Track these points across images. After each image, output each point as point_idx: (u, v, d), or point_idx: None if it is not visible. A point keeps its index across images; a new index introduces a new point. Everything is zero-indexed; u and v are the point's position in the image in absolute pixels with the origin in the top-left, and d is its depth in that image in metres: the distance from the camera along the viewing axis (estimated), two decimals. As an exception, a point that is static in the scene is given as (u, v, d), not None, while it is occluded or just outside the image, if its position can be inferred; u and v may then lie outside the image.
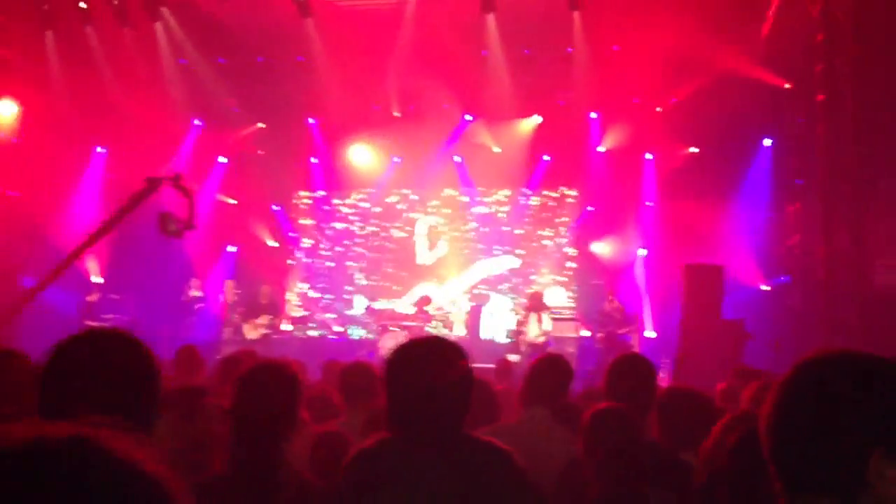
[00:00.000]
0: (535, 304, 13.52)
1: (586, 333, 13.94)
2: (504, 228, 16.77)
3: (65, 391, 1.50)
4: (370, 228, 17.36)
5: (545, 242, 16.60)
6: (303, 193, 17.66)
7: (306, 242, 17.51)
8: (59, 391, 1.50)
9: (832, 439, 1.38)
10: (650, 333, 14.73)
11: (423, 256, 16.91)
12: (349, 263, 17.28)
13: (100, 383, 1.48)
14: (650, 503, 2.97)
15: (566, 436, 3.80)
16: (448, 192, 17.05)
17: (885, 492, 1.33)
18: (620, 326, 13.26)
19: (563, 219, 16.64)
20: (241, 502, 2.44)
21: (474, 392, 4.19)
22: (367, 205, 17.41)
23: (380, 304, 15.81)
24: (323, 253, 17.45)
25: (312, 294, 17.14)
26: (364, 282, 17.08)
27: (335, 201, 17.57)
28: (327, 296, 17.12)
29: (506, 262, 16.49)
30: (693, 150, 14.76)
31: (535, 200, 16.76)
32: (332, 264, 17.34)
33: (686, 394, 3.62)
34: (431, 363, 2.15)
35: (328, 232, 17.51)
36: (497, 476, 2.06)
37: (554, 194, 16.73)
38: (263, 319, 13.94)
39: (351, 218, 17.50)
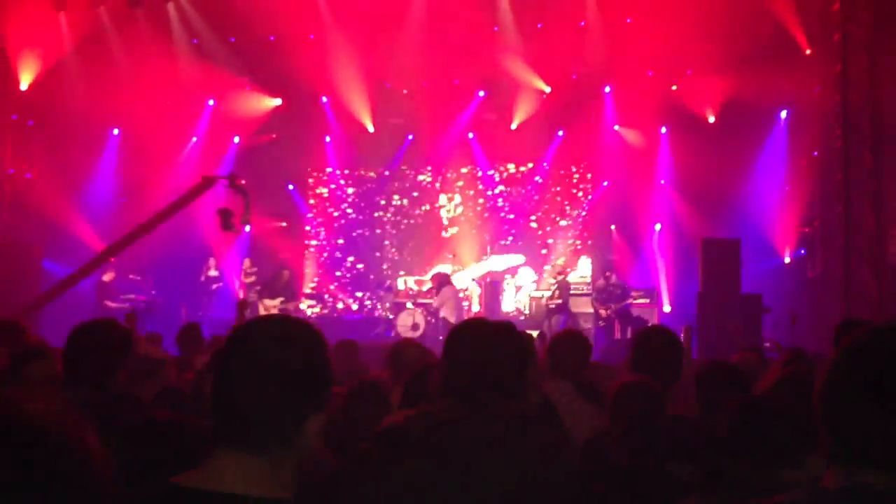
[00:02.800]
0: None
1: (590, 310, 13.89)
2: (524, 196, 16.78)
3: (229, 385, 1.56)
4: (384, 206, 17.38)
5: (566, 217, 16.59)
6: (317, 172, 17.68)
7: (321, 221, 17.55)
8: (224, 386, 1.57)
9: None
10: (667, 307, 14.73)
11: (447, 233, 16.94)
12: (342, 239, 17.33)
13: (263, 377, 1.53)
14: (673, 476, 2.98)
15: (588, 409, 3.84)
16: (463, 168, 17.03)
17: None
18: (621, 300, 13.20)
19: (579, 194, 16.62)
20: None
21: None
22: (380, 182, 17.43)
23: (397, 283, 15.86)
24: (338, 231, 17.48)
25: (327, 265, 17.20)
26: (380, 259, 17.12)
27: (349, 179, 17.57)
28: (339, 274, 17.19)
29: (512, 260, 16.45)
30: (710, 118, 14.65)
31: (550, 175, 16.73)
32: (344, 242, 17.38)
33: (724, 369, 3.61)
34: (493, 339, 2.20)
35: (343, 210, 17.53)
36: (547, 456, 2.09)
37: (571, 169, 16.71)
38: (276, 301, 13.97)
39: (364, 196, 17.51)
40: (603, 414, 3.77)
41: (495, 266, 16.32)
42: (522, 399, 2.21)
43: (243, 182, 15.79)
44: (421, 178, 17.33)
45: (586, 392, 4.04)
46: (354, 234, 17.38)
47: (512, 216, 16.79)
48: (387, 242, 17.24)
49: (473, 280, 16.00)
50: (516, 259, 16.45)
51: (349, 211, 17.52)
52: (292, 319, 1.65)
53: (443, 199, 17.17)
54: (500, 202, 16.93)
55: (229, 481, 1.47)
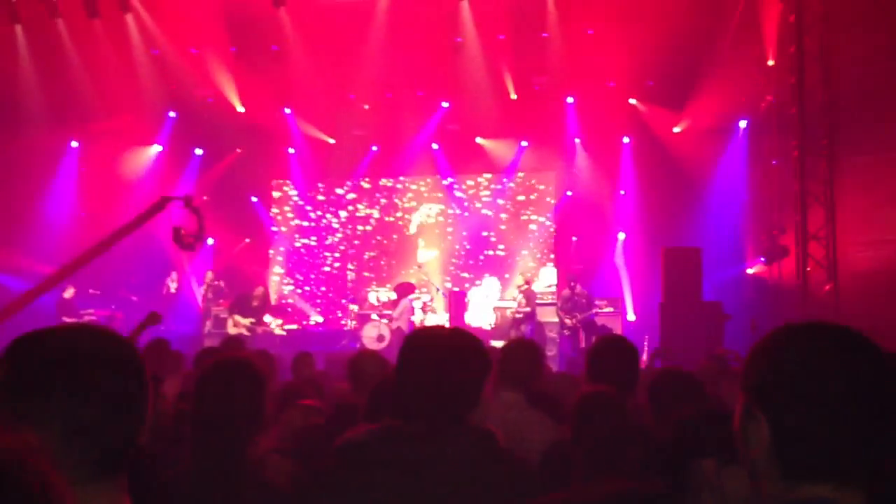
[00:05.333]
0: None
1: (556, 320, 13.94)
2: (487, 211, 16.84)
3: None
4: (348, 218, 17.34)
5: (530, 227, 16.65)
6: (281, 181, 17.59)
7: (285, 233, 17.45)
8: None
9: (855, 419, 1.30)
10: (631, 316, 14.82)
11: (414, 242, 16.95)
12: (306, 251, 17.27)
13: None
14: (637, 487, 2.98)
15: (541, 419, 3.77)
16: (428, 179, 17.06)
17: None
18: (586, 310, 13.26)
19: (544, 204, 16.71)
20: (202, 501, 2.38)
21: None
22: (344, 194, 17.39)
23: (363, 294, 15.79)
24: (303, 243, 17.39)
25: (292, 283, 17.10)
26: (345, 271, 17.05)
27: (313, 191, 17.50)
28: (303, 288, 17.08)
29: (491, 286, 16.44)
30: (672, 128, 14.82)
31: (514, 186, 16.82)
32: (311, 253, 17.30)
33: (676, 377, 3.61)
34: (448, 352, 2.12)
35: (307, 222, 17.45)
36: (496, 469, 2.06)
37: (532, 181, 16.80)
38: (247, 322, 13.78)
39: (329, 208, 17.45)
40: (557, 424, 3.74)
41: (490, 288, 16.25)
42: (476, 414, 2.15)
43: (205, 198, 15.78)
44: (386, 189, 17.31)
45: (538, 402, 3.91)
46: (319, 246, 17.30)
47: (465, 232, 16.82)
48: (353, 254, 17.17)
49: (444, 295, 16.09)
50: (494, 285, 16.34)
51: (314, 223, 17.43)
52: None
53: (408, 210, 17.16)
54: (482, 207, 16.93)
55: None
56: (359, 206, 17.35)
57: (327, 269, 17.17)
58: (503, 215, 16.81)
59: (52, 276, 6.20)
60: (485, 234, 16.76)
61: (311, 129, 16.32)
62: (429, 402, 2.09)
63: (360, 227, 17.27)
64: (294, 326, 15.64)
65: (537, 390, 4.02)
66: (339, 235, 17.30)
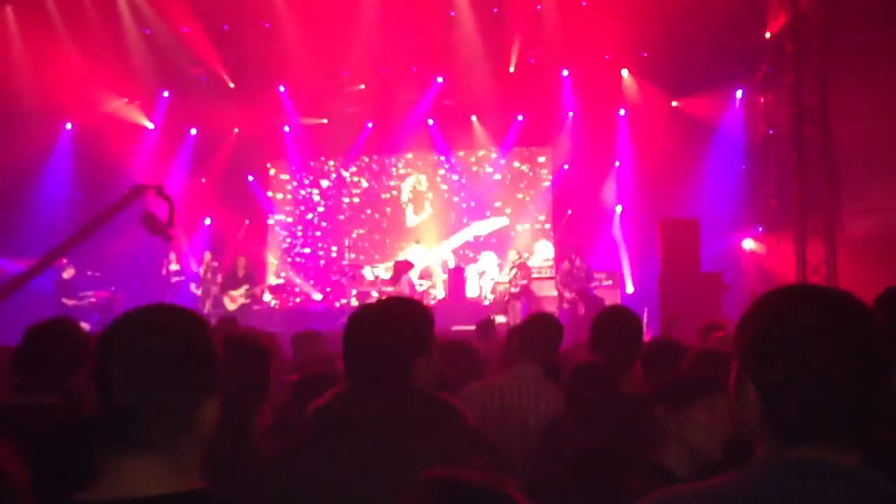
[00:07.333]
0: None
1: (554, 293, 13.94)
2: (484, 186, 16.81)
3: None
4: (345, 195, 17.31)
5: (527, 201, 16.63)
6: (276, 163, 17.54)
7: (282, 211, 17.43)
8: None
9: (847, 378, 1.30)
10: (630, 288, 14.84)
11: (411, 220, 16.96)
12: (304, 229, 17.27)
13: None
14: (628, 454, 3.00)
15: (554, 391, 3.79)
16: (423, 155, 17.01)
17: None
18: (586, 283, 13.24)
19: (541, 178, 16.67)
20: (206, 475, 2.41)
21: (455, 352, 4.22)
22: (341, 170, 17.35)
23: (363, 271, 15.82)
24: (300, 222, 17.38)
25: (291, 260, 17.11)
26: (344, 249, 17.06)
27: (309, 169, 17.46)
28: (296, 278, 17.09)
29: (495, 223, 16.54)
30: (668, 99, 14.76)
31: (510, 160, 16.77)
32: (308, 231, 17.29)
33: (667, 346, 3.63)
34: (378, 320, 2.21)
35: (304, 200, 17.43)
36: (446, 432, 2.10)
37: (528, 153, 16.75)
38: (242, 290, 13.87)
39: (325, 185, 17.41)
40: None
41: (479, 231, 16.42)
42: (416, 380, 2.19)
43: (203, 180, 15.75)
44: (382, 165, 17.27)
45: (553, 376, 3.94)
46: (317, 223, 17.29)
47: (464, 206, 16.78)
48: (350, 231, 17.17)
49: (452, 252, 16.15)
50: (500, 222, 16.50)
51: (311, 200, 17.41)
52: (167, 306, 1.56)
53: (404, 186, 17.14)
54: (479, 183, 16.88)
55: (130, 486, 1.42)
56: (355, 183, 17.30)
57: (324, 246, 17.15)
58: (501, 189, 16.77)
59: (41, 261, 6.19)
60: (492, 208, 16.72)
61: (306, 106, 16.22)
62: (363, 364, 2.17)
63: (356, 205, 17.23)
64: (291, 302, 15.70)
65: (553, 363, 4.06)
66: (322, 209, 17.27)
